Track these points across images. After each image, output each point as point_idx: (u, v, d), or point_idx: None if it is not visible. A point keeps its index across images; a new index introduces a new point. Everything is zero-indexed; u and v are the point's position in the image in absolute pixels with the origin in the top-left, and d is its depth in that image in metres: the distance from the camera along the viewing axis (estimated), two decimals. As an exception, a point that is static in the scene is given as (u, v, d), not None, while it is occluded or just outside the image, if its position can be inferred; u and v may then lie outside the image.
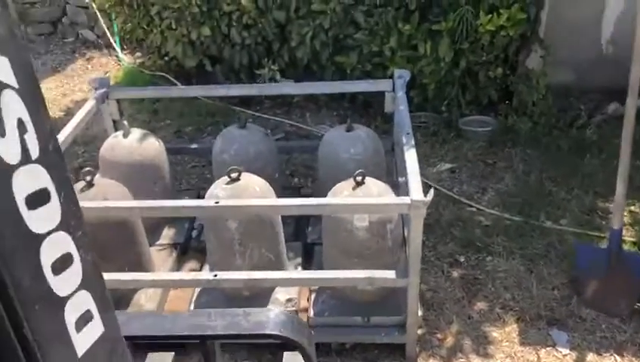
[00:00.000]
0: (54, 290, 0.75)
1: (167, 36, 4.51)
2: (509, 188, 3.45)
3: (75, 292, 0.79)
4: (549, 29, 3.92)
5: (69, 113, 4.79)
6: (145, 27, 4.65)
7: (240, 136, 2.90)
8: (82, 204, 1.77)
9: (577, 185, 3.40)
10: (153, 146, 2.91)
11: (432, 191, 2.02)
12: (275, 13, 4.09)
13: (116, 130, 3.09)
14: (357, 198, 2.25)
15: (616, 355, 2.42)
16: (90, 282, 0.81)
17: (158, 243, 2.87)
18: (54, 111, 4.79)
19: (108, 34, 5.59)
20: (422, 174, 3.60)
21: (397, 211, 2.32)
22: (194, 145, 3.62)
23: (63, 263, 0.77)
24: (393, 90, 2.97)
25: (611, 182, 3.35)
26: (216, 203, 2.16)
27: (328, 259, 2.48)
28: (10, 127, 0.69)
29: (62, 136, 2.62)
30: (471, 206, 3.32)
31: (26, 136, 0.72)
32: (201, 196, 3.15)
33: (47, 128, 0.75)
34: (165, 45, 4.63)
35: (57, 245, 0.76)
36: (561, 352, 2.45)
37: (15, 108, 0.71)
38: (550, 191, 3.39)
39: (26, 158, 0.71)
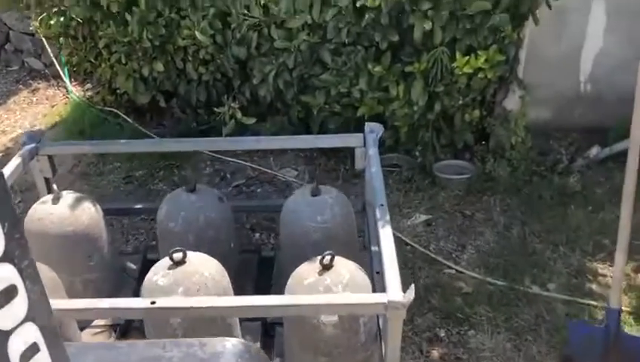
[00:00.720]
0: (-1, 324, 0.73)
1: (117, 71, 4.13)
2: (490, 245, 3.17)
3: (20, 324, 0.78)
4: (528, 67, 3.68)
5: (8, 153, 4.35)
6: (92, 61, 4.26)
7: (189, 201, 2.55)
8: None
9: (563, 241, 3.13)
10: (88, 213, 2.52)
11: (412, 288, 1.72)
12: (234, 48, 3.74)
13: (49, 190, 2.69)
14: (324, 297, 1.90)
15: None
16: (37, 313, 0.81)
17: (94, 324, 2.46)
18: (-9, 152, 4.35)
19: (56, 63, 5.16)
20: (395, 228, 3.35)
21: (372, 312, 2.00)
22: (138, 206, 3.22)
23: (6, 295, 0.76)
24: (364, 144, 2.66)
25: (598, 238, 3.15)
26: (153, 303, 1.78)
27: (290, 356, 2.14)
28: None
29: None
30: (450, 267, 3.03)
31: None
32: (147, 262, 2.78)
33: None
34: (115, 80, 4.24)
35: (1, 277, 0.76)
36: None
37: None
38: (534, 249, 3.12)
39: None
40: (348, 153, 3.77)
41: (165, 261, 2.07)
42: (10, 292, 0.76)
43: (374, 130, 2.68)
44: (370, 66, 3.38)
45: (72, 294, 2.38)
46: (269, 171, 3.95)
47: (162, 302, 1.81)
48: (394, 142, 3.77)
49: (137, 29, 3.76)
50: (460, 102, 3.46)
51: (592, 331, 2.45)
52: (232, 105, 3.88)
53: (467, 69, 3.23)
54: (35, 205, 2.52)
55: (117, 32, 3.87)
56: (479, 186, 3.58)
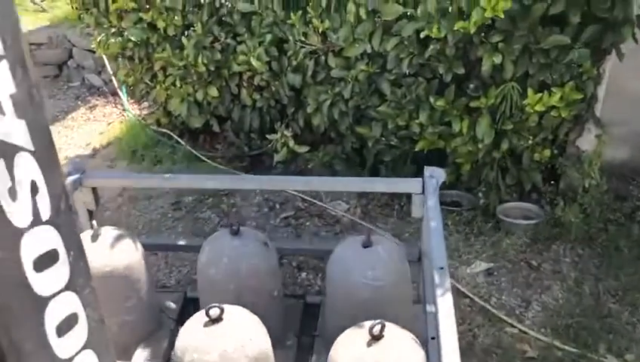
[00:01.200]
0: (57, 354, 0.75)
1: (172, 93, 4.08)
2: (559, 302, 2.86)
3: (79, 352, 0.79)
4: (606, 104, 3.36)
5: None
6: (148, 82, 4.22)
7: (231, 247, 2.33)
8: None
9: (643, 303, 2.80)
10: (127, 252, 2.35)
11: None
12: (289, 76, 3.61)
13: (91, 222, 2.58)
14: None
15: None
16: (95, 340, 0.84)
17: None
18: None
19: (114, 81, 5.19)
20: (454, 275, 3.12)
21: None
22: (180, 243, 3.03)
23: (68, 324, 0.78)
24: (423, 191, 2.40)
25: None
26: None
27: None
28: (23, 191, 0.72)
29: None
30: (512, 326, 2.75)
31: (37, 198, 0.74)
32: (187, 301, 2.66)
33: (59, 188, 0.79)
34: (170, 102, 4.19)
35: (64, 306, 0.76)
36: None
37: (29, 170, 0.73)
38: (610, 310, 2.79)
39: (36, 220, 0.73)
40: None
41: (202, 316, 1.91)
42: (72, 320, 0.78)
43: (435, 175, 2.40)
44: (432, 99, 3.16)
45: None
46: (319, 203, 3.78)
47: None
48: (455, 179, 3.52)
49: (193, 53, 3.69)
50: (530, 141, 3.18)
51: None
52: (285, 132, 3.75)
53: (539, 107, 2.96)
54: None
55: (173, 55, 3.81)
56: (547, 233, 3.28)
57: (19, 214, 0.69)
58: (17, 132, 0.71)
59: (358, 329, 1.83)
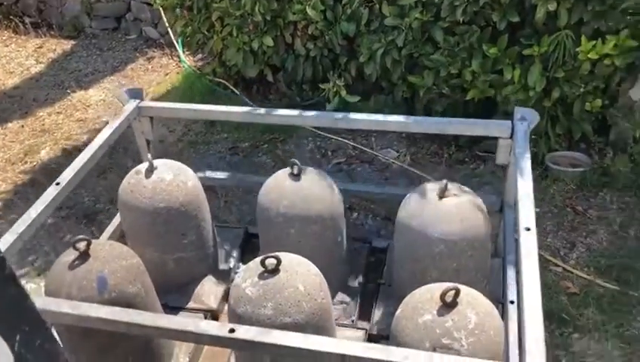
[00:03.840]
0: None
1: (228, 43, 4.23)
2: (603, 245, 2.96)
3: None
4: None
5: (124, 118, 4.63)
6: (205, 32, 4.38)
7: (293, 188, 2.15)
8: (49, 306, 1.60)
9: (687, 247, 2.88)
10: (184, 187, 2.21)
11: None
12: (343, 25, 3.71)
13: (148, 155, 2.47)
14: (438, 357, 1.40)
15: None
16: None
17: (188, 306, 2.28)
18: (108, 117, 4.62)
19: (170, 33, 5.37)
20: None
21: None
22: (240, 180, 2.92)
23: None
24: (511, 136, 2.18)
25: None
26: (231, 331, 1.50)
27: None
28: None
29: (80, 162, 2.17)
30: (557, 265, 2.87)
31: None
32: (248, 236, 2.59)
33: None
34: (226, 52, 4.35)
35: None
36: None
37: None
38: (653, 253, 2.88)
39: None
40: (452, 135, 3.64)
41: (256, 266, 1.78)
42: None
43: (528, 117, 2.15)
44: (485, 47, 3.23)
45: (162, 273, 2.22)
46: (370, 151, 3.91)
47: (242, 332, 1.51)
48: None
49: (250, 2, 3.82)
50: (582, 89, 3.22)
51: None
52: (338, 82, 3.86)
53: (592, 55, 3.00)
54: (130, 173, 2.29)
55: (230, 4, 3.95)
56: (595, 181, 3.35)
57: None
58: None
59: (429, 292, 1.64)
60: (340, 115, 2.43)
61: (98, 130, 2.79)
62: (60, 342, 0.86)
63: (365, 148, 3.93)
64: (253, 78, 4.46)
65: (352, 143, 3.98)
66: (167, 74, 5.27)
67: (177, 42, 5.34)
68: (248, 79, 4.57)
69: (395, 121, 2.43)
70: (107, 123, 2.57)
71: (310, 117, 2.49)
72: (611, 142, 3.54)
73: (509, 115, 3.50)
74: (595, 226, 3.09)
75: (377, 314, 2.20)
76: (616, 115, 3.47)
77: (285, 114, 2.51)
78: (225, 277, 2.42)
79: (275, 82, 4.52)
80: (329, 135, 4.04)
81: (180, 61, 5.33)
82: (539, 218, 3.17)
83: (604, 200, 3.26)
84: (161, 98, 4.89)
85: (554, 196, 3.30)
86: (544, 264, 2.87)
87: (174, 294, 2.27)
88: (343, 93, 3.85)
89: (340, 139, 4.02)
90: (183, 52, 5.32)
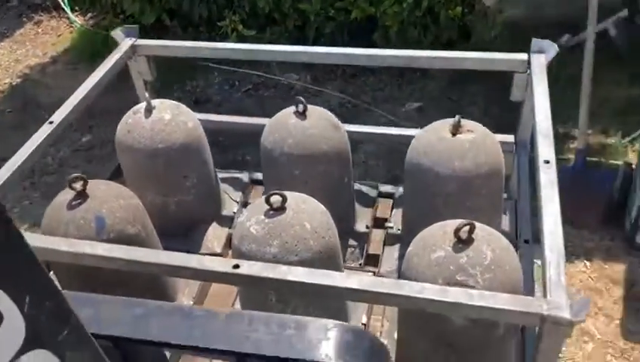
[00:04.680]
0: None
1: (122, -6, 4.41)
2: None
3: None
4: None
5: (28, 79, 4.75)
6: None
7: (297, 127, 2.04)
8: (46, 244, 1.52)
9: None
10: (184, 127, 2.12)
11: (587, 302, 1.24)
12: (233, -39, 4.03)
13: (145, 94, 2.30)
14: (453, 293, 1.32)
15: (585, 260, 2.79)
16: None
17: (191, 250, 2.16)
18: (10, 79, 4.71)
19: (55, -6, 5.36)
20: (391, 112, 3.87)
21: (522, 322, 1.60)
22: (242, 120, 2.66)
23: None
24: (527, 70, 2.03)
25: (568, 109, 3.67)
26: (235, 267, 1.43)
27: (406, 342, 1.73)
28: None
29: (70, 106, 2.03)
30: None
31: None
32: (252, 183, 2.47)
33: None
34: (121, 3, 4.52)
35: None
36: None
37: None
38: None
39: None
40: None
41: (262, 203, 1.69)
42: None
43: (545, 49, 2.03)
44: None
45: (164, 216, 2.15)
46: (274, 77, 4.38)
47: (246, 268, 1.43)
48: (385, 43, 4.19)
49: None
50: (443, -1, 3.85)
51: (562, 171, 3.02)
52: (234, 18, 4.21)
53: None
54: (127, 114, 2.17)
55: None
56: (463, 78, 4.04)
57: None
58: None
59: (442, 229, 1.56)
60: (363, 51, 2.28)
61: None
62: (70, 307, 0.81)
63: (269, 76, 4.38)
64: (149, 25, 4.67)
65: (255, 73, 4.41)
66: (59, 35, 5.32)
67: (64, 2, 5.35)
68: (145, 28, 4.77)
69: (400, 54, 2.28)
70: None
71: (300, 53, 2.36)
72: (472, 43, 4.24)
73: (387, 32, 4.13)
74: (468, 109, 3.85)
75: (386, 257, 2.12)
76: (474, 21, 4.16)
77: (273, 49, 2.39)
78: (228, 222, 2.33)
79: (171, 27, 4.77)
80: (233, 68, 4.43)
81: (70, 22, 5.37)
82: (423, 110, 3.89)
83: (473, 91, 4.01)
84: (62, 57, 4.99)
85: (432, 91, 4.03)
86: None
87: (176, 238, 2.16)
88: (240, 27, 4.22)
89: (244, 70, 4.43)
90: (72, 12, 5.35)
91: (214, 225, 2.29)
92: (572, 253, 2.79)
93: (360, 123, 3.32)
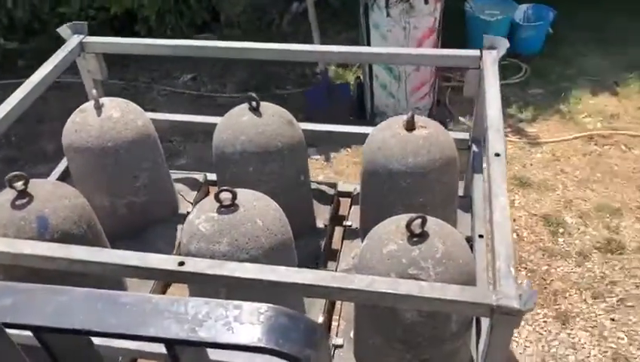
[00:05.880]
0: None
1: None
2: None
3: None
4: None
5: None
6: None
7: (250, 123, 1.98)
8: None
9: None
10: (134, 125, 2.05)
11: (532, 291, 1.22)
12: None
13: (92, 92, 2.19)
14: (405, 285, 1.29)
15: (347, 148, 3.88)
16: None
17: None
18: None
19: None
20: (168, 84, 4.68)
21: (472, 314, 1.59)
22: (195, 119, 2.61)
23: None
24: (479, 66, 2.06)
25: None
26: (181, 264, 1.38)
27: (360, 337, 1.72)
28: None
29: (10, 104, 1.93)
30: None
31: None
32: (207, 182, 2.42)
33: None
34: None
35: None
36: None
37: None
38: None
39: None
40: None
41: (211, 201, 1.65)
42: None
43: (497, 44, 2.05)
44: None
45: (115, 219, 2.10)
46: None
47: (192, 265, 1.38)
48: (147, 33, 4.58)
49: None
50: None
51: (317, 90, 4.23)
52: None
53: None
54: (74, 113, 2.09)
55: None
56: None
57: None
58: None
59: (395, 223, 1.55)
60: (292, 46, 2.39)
61: None
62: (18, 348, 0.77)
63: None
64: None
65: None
66: None
67: None
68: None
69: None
70: None
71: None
72: (224, 21, 4.98)
73: (147, 21, 4.46)
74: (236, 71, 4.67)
75: (343, 256, 2.11)
76: (222, 2, 4.83)
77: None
78: (179, 222, 2.21)
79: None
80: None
81: None
82: (196, 79, 4.70)
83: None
84: None
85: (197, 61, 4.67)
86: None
87: (126, 241, 2.05)
88: (2, 41, 4.16)
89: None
90: None
91: (165, 227, 2.23)
92: (337, 142, 3.65)
93: (142, 99, 4.04)
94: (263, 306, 0.75)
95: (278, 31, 5.15)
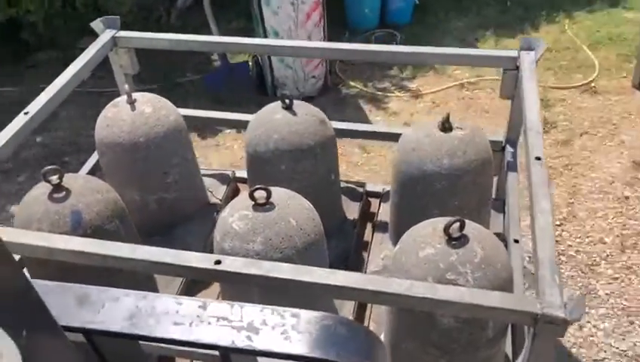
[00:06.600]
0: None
1: None
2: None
3: None
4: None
5: None
6: None
7: (283, 122, 1.96)
8: (19, 239, 1.45)
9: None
10: (166, 121, 2.03)
11: (580, 298, 1.19)
12: None
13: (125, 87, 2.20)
14: (443, 291, 1.25)
15: None
16: None
17: None
18: None
19: None
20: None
21: (514, 321, 1.61)
22: (228, 116, 2.58)
23: None
24: (516, 67, 2.02)
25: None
26: (217, 262, 1.36)
27: (394, 342, 1.65)
28: None
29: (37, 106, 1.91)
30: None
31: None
32: (236, 180, 2.43)
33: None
34: None
35: None
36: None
37: None
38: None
39: None
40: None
41: (244, 200, 1.64)
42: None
43: (535, 45, 1.99)
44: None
45: (144, 214, 2.09)
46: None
47: (229, 264, 1.36)
48: (37, 41, 4.46)
49: None
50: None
51: (217, 73, 4.46)
52: None
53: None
54: (106, 107, 2.06)
55: None
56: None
57: None
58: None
59: (431, 226, 1.51)
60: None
61: None
62: (67, 337, 0.76)
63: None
64: None
65: None
66: None
67: None
68: None
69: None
70: None
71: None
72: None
73: (35, 27, 4.29)
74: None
75: (372, 258, 2.08)
76: (107, 2, 4.58)
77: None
78: (210, 219, 2.23)
79: None
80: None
81: None
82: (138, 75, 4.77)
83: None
84: None
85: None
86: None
87: (156, 238, 2.08)
88: None
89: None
90: None
91: (195, 224, 2.21)
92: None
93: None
94: (321, 314, 0.72)
95: (168, 26, 5.19)
